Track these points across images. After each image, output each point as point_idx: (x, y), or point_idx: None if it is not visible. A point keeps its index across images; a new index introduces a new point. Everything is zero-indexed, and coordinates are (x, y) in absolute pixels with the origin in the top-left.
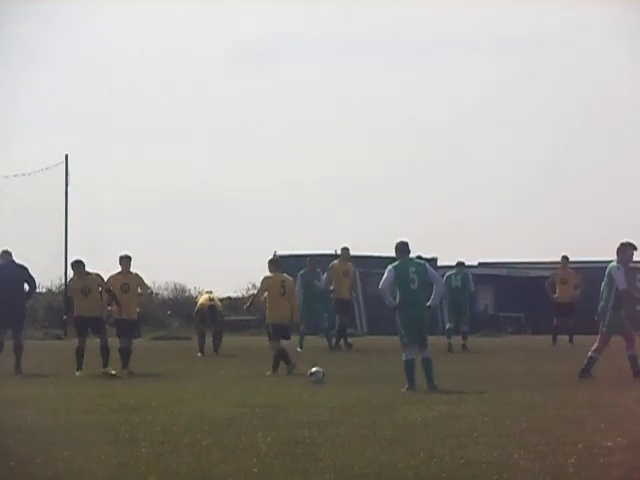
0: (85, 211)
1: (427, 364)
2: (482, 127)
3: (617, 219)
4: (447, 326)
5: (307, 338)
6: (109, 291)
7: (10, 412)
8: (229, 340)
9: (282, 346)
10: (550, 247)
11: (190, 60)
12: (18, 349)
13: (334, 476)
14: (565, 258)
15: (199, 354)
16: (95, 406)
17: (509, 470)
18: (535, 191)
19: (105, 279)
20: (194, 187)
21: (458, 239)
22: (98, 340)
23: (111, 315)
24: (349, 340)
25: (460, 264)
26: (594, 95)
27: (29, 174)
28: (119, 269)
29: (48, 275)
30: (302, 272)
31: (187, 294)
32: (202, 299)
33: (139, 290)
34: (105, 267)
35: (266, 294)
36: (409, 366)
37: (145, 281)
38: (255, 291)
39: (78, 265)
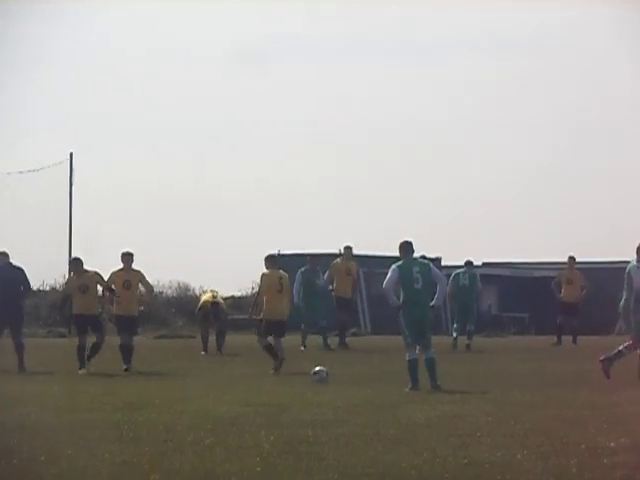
0: (89, 209)
1: (430, 364)
2: (482, 127)
3: (617, 219)
4: (454, 325)
5: (310, 337)
6: (109, 289)
7: (13, 410)
8: (232, 339)
9: (269, 342)
10: (554, 247)
11: (189, 60)
12: (19, 348)
13: (337, 475)
14: (572, 259)
15: (202, 353)
16: (99, 404)
17: (512, 470)
18: (535, 191)
19: (107, 276)
20: (195, 186)
21: (462, 239)
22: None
23: (110, 312)
24: (346, 340)
25: (469, 263)
26: (594, 95)
27: (34, 171)
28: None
29: (51, 273)
30: (303, 270)
31: (191, 293)
32: (205, 296)
33: (140, 287)
34: (109, 265)
35: None
36: (412, 366)
37: (147, 278)
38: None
39: (76, 263)
